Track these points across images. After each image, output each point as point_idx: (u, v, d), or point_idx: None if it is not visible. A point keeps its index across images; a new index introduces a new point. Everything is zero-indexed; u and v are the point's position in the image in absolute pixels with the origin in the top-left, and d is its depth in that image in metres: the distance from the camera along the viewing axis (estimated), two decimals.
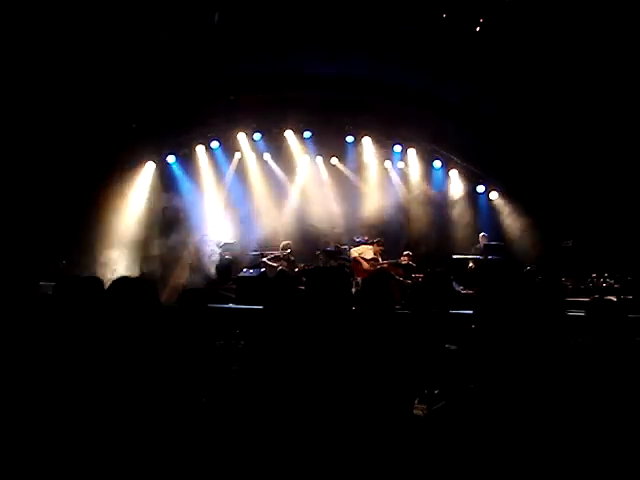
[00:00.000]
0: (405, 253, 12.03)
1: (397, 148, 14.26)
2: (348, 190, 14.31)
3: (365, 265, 11.81)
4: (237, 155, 14.31)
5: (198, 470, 2.56)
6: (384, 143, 14.34)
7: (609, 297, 3.74)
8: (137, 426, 2.53)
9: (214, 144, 14.14)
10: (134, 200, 13.32)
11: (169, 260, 12.81)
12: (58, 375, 2.59)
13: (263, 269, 11.43)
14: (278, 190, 14.23)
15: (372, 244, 12.20)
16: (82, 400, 2.52)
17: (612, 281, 10.50)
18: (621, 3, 9.56)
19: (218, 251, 12.29)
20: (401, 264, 11.81)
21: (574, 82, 11.07)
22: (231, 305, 9.88)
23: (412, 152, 14.26)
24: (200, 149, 14.09)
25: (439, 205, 14.18)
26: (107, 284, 3.18)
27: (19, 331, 3.01)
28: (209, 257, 12.13)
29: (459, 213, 14.07)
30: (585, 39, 10.12)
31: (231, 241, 12.77)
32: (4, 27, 9.43)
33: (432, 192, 14.31)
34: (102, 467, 2.42)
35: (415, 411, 2.81)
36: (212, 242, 12.36)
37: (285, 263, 11.94)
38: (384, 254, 12.15)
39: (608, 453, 2.39)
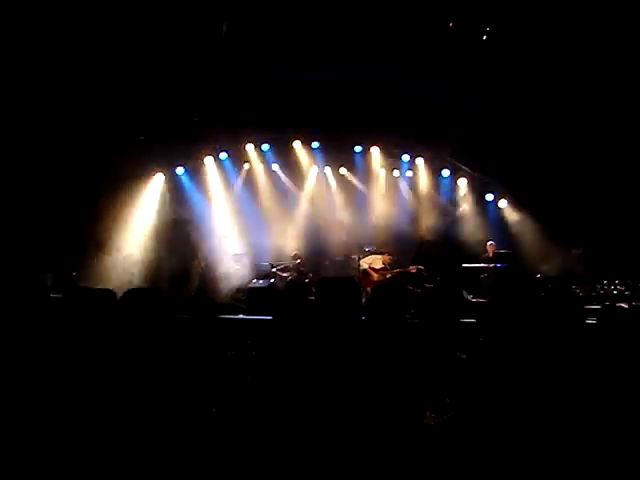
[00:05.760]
0: (417, 267, 12.01)
1: (405, 157, 14.26)
2: (357, 200, 14.32)
3: (374, 276, 11.81)
4: (246, 166, 14.37)
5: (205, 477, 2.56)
6: (392, 152, 14.35)
7: (620, 304, 3.72)
8: (148, 436, 2.53)
9: (223, 155, 14.19)
10: (143, 212, 13.37)
11: (178, 271, 12.83)
12: (71, 386, 2.61)
13: (273, 279, 11.44)
14: (287, 200, 14.25)
15: (381, 253, 12.19)
16: (94, 409, 2.53)
17: (623, 288, 10.44)
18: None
19: (228, 262, 12.32)
20: (411, 273, 11.79)
21: (586, 92, 11.06)
22: (242, 316, 9.89)
23: (420, 161, 14.27)
24: (209, 160, 14.15)
25: (448, 214, 14.15)
26: (118, 296, 3.20)
27: (31, 342, 3.03)
28: (219, 268, 12.15)
29: (468, 221, 14.04)
30: (594, 46, 10.13)
31: (240, 252, 12.78)
32: (22, 42, 9.55)
33: (441, 201, 14.29)
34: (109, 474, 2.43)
35: (426, 420, 2.81)
36: (222, 253, 12.38)
37: (295, 273, 11.95)
38: (394, 264, 12.16)
39: (622, 458, 2.38)
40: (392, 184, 14.50)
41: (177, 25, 10.50)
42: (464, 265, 12.26)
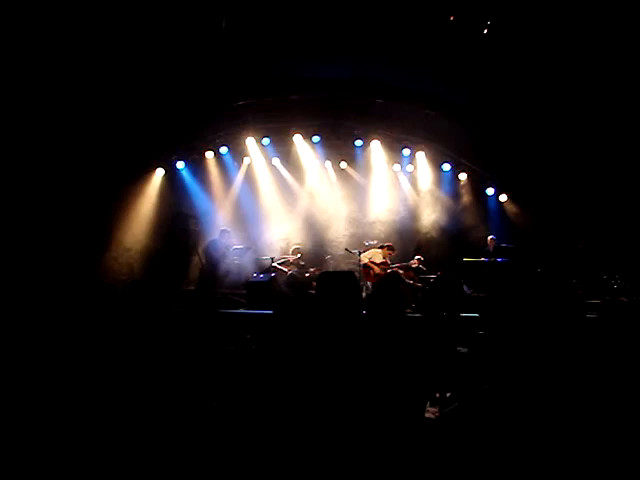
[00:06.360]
0: (417, 258, 12.00)
1: (406, 151, 14.24)
2: (357, 194, 14.32)
3: (376, 270, 11.80)
4: (246, 160, 14.37)
5: (208, 474, 2.56)
6: (393, 146, 14.33)
7: (621, 298, 3.72)
8: (149, 430, 2.54)
9: (223, 149, 14.19)
10: (143, 206, 13.38)
11: (179, 265, 12.84)
12: (71, 380, 2.61)
13: (273, 274, 11.43)
14: (287, 195, 14.27)
15: (382, 248, 12.19)
16: (94, 403, 2.53)
17: (623, 282, 10.45)
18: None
19: (228, 256, 12.31)
20: (412, 267, 11.79)
21: (586, 86, 11.04)
22: (242, 310, 9.89)
23: (421, 155, 14.25)
24: (209, 155, 14.14)
25: (448, 208, 14.15)
26: (119, 290, 3.20)
27: (31, 337, 3.03)
28: (219, 262, 12.14)
29: (469, 216, 14.05)
30: (594, 42, 10.11)
31: (241, 246, 12.78)
32: (23, 40, 9.56)
33: (441, 195, 14.29)
34: (105, 469, 2.43)
35: (427, 414, 2.81)
36: (222, 247, 12.37)
37: (295, 268, 11.94)
38: (394, 258, 12.17)
39: (622, 453, 2.38)
40: (393, 178, 14.50)
41: (178, 19, 10.48)
42: (465, 259, 12.26)
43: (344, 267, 12.48)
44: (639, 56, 10.18)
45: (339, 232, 13.58)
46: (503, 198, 14.10)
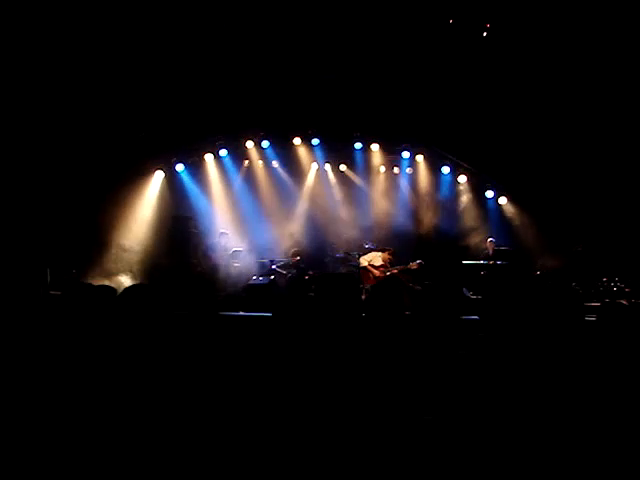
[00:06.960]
0: (417, 262, 11.97)
1: (405, 154, 14.23)
2: (357, 197, 14.31)
3: (375, 273, 11.79)
4: (246, 163, 14.36)
5: (208, 475, 2.56)
6: (392, 149, 14.32)
7: (620, 301, 3.72)
8: (148, 433, 2.53)
9: (222, 152, 14.18)
10: (143, 209, 13.36)
11: (178, 268, 12.82)
12: (70, 382, 2.61)
13: (273, 276, 11.42)
14: (287, 197, 14.26)
15: (381, 251, 12.18)
16: (94, 406, 2.53)
17: (623, 285, 10.45)
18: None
19: (227, 258, 12.30)
20: (411, 270, 11.78)
21: (587, 89, 11.06)
22: (241, 312, 9.87)
23: (420, 158, 14.23)
24: (209, 157, 14.13)
25: (448, 210, 14.13)
26: (118, 293, 3.20)
27: (30, 338, 3.03)
28: (218, 264, 12.14)
29: (468, 218, 14.03)
30: (593, 42, 10.13)
31: (240, 249, 12.77)
32: (26, 42, 9.59)
33: (441, 198, 14.28)
34: (101, 467, 2.43)
35: (425, 416, 2.81)
36: (221, 249, 12.37)
37: (295, 270, 11.93)
38: (394, 261, 12.15)
39: (621, 454, 2.38)
40: (392, 181, 14.49)
41: (177, 22, 10.50)
42: (464, 262, 12.25)
43: (343, 270, 12.47)
44: (636, 58, 10.21)
45: (338, 235, 13.57)
46: (502, 201, 14.08)
